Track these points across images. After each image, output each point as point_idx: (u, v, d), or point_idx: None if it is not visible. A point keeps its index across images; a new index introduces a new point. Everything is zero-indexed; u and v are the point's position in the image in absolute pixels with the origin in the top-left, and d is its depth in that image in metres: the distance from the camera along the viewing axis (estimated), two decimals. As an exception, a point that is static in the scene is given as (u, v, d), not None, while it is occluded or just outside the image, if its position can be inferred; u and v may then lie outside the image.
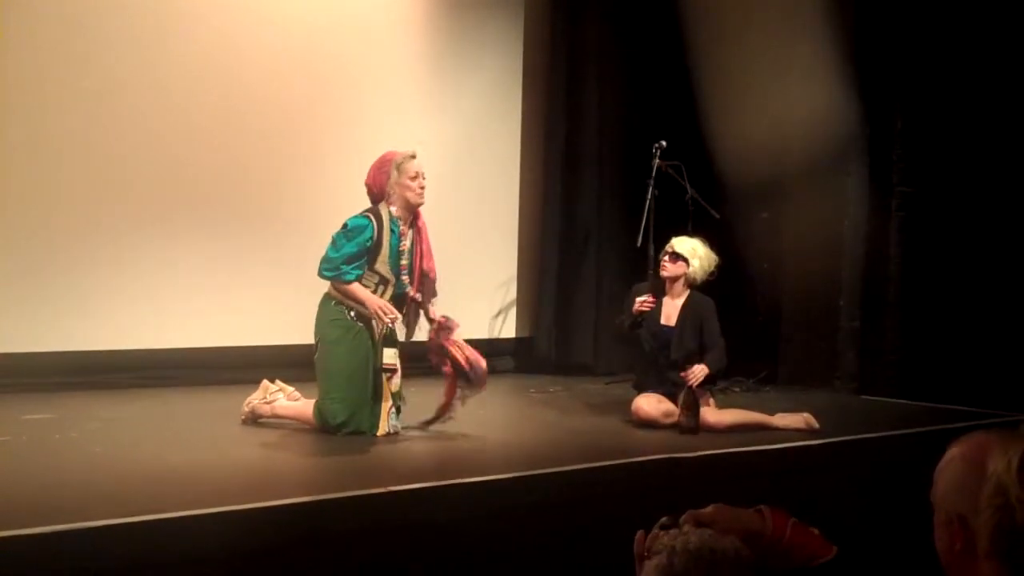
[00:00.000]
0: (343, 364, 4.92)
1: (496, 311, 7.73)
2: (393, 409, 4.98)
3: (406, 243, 5.03)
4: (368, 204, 5.06)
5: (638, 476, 4.48)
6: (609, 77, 7.82)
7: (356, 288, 4.92)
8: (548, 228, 7.81)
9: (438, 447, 4.89)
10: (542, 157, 7.87)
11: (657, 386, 5.59)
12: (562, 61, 7.78)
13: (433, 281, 5.16)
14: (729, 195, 7.02)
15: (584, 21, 7.77)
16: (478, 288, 7.42)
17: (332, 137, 6.84)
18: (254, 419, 5.13)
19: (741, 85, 7.16)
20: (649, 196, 6.27)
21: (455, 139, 7.17)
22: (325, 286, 5.02)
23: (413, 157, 5.01)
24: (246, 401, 5.16)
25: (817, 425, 5.44)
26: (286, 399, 5.14)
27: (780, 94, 7.11)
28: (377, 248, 4.95)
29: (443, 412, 5.05)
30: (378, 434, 4.91)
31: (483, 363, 5.05)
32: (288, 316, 5.82)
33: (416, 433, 5.02)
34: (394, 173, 4.97)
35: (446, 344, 5.02)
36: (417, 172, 4.99)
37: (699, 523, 1.77)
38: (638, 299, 5.61)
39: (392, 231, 4.98)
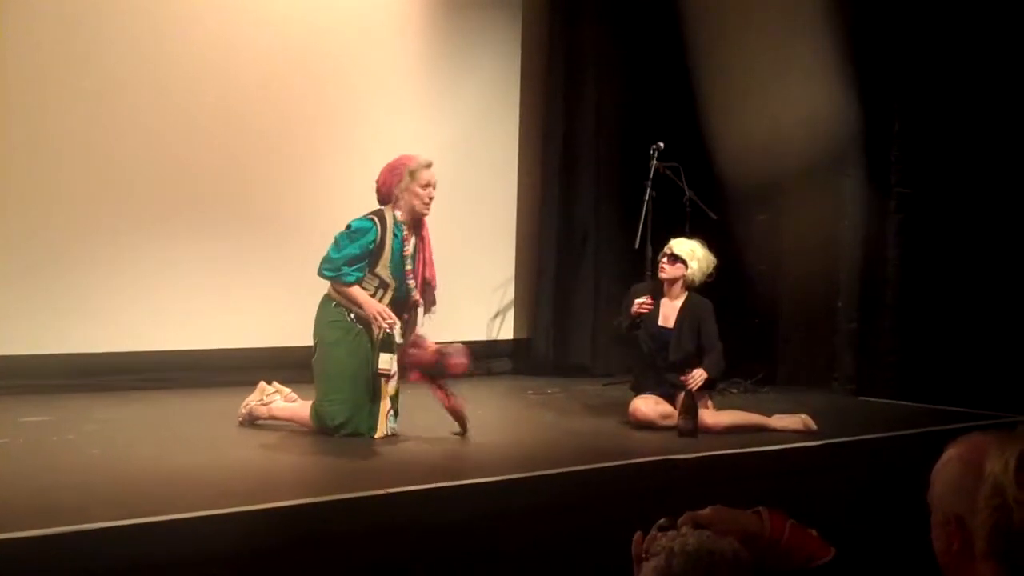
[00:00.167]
0: (342, 366, 4.92)
1: (494, 313, 7.72)
2: (391, 411, 4.97)
3: (409, 248, 5.02)
4: (370, 205, 5.05)
5: (636, 477, 4.48)
6: (607, 78, 7.81)
7: (355, 291, 4.91)
8: (546, 229, 7.80)
9: (436, 449, 4.89)
10: (540, 158, 7.86)
11: (655, 388, 5.59)
12: (560, 62, 7.77)
13: (433, 289, 5.16)
14: (727, 196, 7.03)
15: (582, 22, 7.76)
16: (476, 290, 7.42)
17: (331, 138, 6.84)
18: (251, 421, 5.13)
19: (739, 86, 7.16)
20: (647, 197, 6.28)
21: (453, 140, 7.16)
22: (324, 288, 5.01)
23: (428, 166, 4.99)
24: (243, 403, 5.16)
25: (815, 426, 5.44)
26: (283, 401, 5.14)
27: (778, 95, 7.09)
28: (379, 251, 4.94)
29: (457, 415, 5.02)
30: (376, 436, 4.90)
31: (450, 347, 4.99)
32: (287, 318, 5.81)
33: (414, 435, 5.01)
34: (406, 178, 4.95)
35: (404, 359, 4.97)
36: (429, 181, 4.95)
37: (697, 524, 1.77)
38: (636, 301, 5.61)
39: (395, 235, 4.97)
